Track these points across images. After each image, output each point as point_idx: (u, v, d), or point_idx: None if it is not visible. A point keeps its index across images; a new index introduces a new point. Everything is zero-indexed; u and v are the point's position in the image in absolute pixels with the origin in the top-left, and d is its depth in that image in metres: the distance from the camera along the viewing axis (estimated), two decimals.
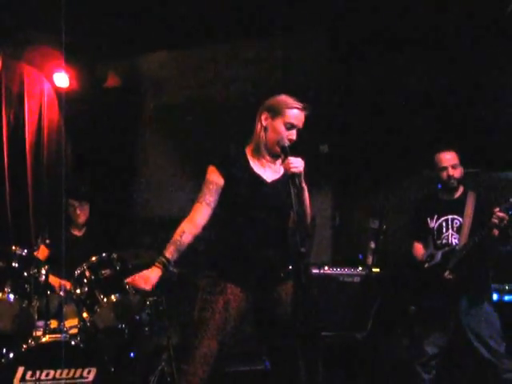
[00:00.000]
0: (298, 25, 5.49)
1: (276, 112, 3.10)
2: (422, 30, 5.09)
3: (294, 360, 3.03)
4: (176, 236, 3.06)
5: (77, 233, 5.03)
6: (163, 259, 3.03)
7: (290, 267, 3.12)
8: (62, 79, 5.98)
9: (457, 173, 4.02)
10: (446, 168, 4.02)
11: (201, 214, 3.10)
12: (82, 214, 4.96)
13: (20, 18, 5.03)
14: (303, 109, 3.11)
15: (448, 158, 4.02)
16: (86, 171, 6.35)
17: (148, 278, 3.00)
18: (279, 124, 3.08)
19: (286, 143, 3.05)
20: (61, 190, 5.03)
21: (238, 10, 5.12)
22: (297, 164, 2.95)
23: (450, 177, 4.01)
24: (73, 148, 6.38)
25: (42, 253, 4.64)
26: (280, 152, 3.08)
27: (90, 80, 6.14)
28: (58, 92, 6.21)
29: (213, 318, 3.04)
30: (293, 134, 3.10)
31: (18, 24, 5.12)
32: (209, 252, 3.24)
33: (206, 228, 3.13)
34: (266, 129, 3.13)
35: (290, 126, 3.08)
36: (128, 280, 3.05)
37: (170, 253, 3.05)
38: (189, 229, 3.08)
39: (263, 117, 3.14)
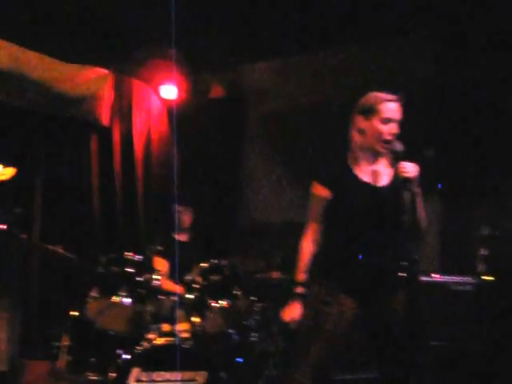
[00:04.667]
0: (403, 29, 5.38)
1: (370, 111, 2.99)
2: None
3: (405, 370, 2.97)
4: (306, 261, 3.13)
5: (182, 238, 5.16)
6: (301, 291, 3.12)
7: (402, 275, 3.04)
8: (170, 91, 6.17)
9: None
10: None
11: (317, 233, 3.15)
12: (186, 218, 5.11)
13: (130, 36, 5.24)
14: (397, 100, 2.99)
15: None
16: (192, 179, 6.50)
17: (294, 315, 3.11)
18: (376, 122, 2.98)
19: (398, 148, 2.94)
20: (169, 198, 5.18)
21: (341, 18, 5.09)
22: (410, 169, 2.88)
23: None
24: (180, 157, 6.57)
25: (161, 264, 4.76)
26: (385, 151, 3.01)
27: (195, 91, 6.29)
28: (166, 104, 6.43)
29: (325, 327, 3.02)
30: (393, 128, 2.98)
31: (128, 42, 5.33)
32: (319, 260, 3.21)
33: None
34: (363, 131, 3.04)
35: (387, 121, 2.97)
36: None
37: (304, 280, 3.13)
38: (312, 251, 3.14)
39: (357, 120, 3.05)
